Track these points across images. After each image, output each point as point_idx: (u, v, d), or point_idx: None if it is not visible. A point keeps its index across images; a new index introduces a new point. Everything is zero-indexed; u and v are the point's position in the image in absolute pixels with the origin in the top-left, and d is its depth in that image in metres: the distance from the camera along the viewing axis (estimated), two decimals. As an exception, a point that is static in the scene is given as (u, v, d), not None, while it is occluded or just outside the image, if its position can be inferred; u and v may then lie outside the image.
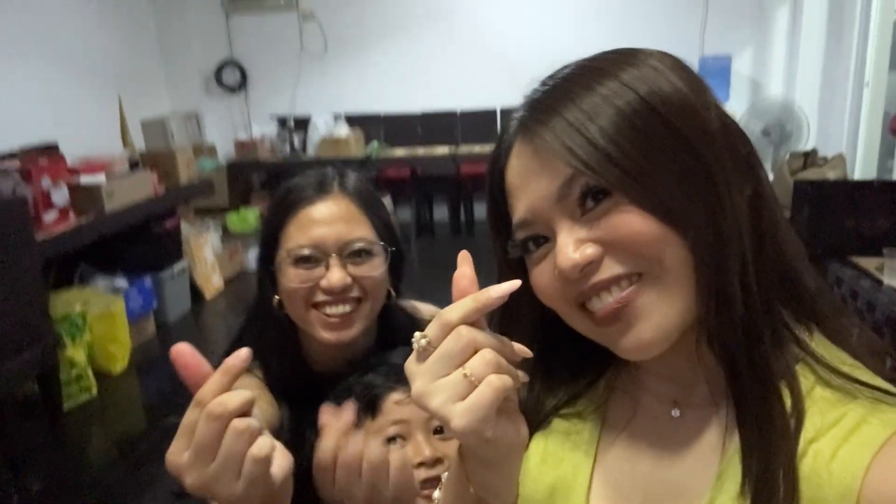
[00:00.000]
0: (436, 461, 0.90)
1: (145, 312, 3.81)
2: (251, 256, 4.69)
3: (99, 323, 3.28)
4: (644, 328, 0.52)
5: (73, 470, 2.78)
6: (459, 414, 0.46)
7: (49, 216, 3.09)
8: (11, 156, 3.06)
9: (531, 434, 0.61)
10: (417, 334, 0.50)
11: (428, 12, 5.38)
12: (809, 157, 2.76)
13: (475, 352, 0.48)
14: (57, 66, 4.01)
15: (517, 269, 0.60)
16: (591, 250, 0.52)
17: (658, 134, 0.51)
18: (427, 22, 5.38)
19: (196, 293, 4.37)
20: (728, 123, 0.54)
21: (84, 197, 3.34)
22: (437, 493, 0.62)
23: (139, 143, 4.44)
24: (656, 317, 0.52)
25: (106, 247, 3.56)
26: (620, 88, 0.52)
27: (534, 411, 0.63)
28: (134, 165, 3.91)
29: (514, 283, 0.50)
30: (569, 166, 0.51)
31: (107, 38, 4.51)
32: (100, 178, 3.43)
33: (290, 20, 5.47)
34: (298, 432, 0.97)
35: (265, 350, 1.02)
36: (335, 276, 0.95)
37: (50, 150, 3.35)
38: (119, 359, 3.41)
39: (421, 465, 0.90)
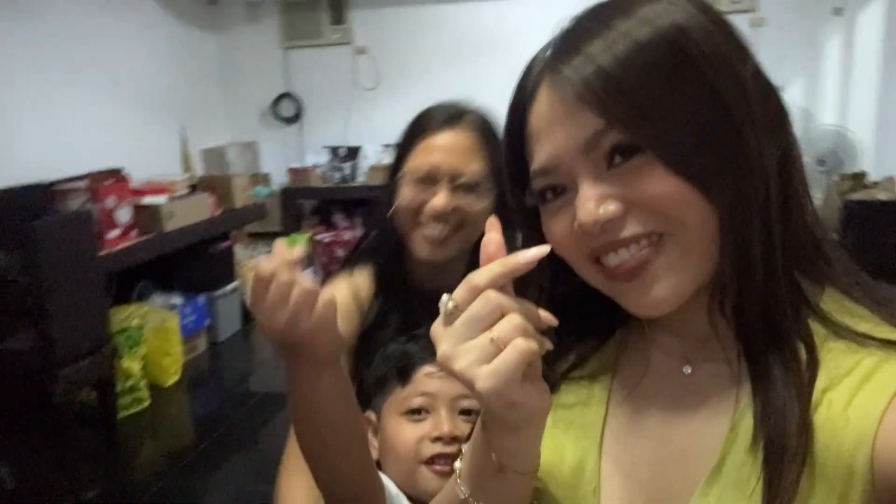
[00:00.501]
0: (453, 439, 0.92)
1: (198, 329, 3.94)
2: (301, 280, 4.79)
3: (154, 337, 3.42)
4: (659, 287, 0.52)
5: (125, 477, 2.88)
6: (484, 376, 0.46)
7: (112, 233, 3.26)
8: (80, 178, 3.25)
9: None
10: (445, 297, 0.50)
11: (475, 48, 5.50)
12: (858, 180, 2.71)
13: (501, 316, 0.48)
14: (126, 97, 4.25)
15: (531, 217, 0.59)
16: (613, 207, 0.51)
17: (692, 87, 0.49)
18: (474, 56, 5.49)
19: (247, 313, 4.50)
20: (761, 80, 0.53)
21: (145, 216, 3.52)
22: (458, 463, 0.62)
23: (199, 170, 4.65)
24: (673, 277, 0.52)
25: (164, 265, 3.72)
26: (654, 32, 0.50)
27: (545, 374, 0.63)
28: (193, 189, 4.10)
29: (543, 249, 0.49)
30: (601, 119, 0.50)
31: (172, 72, 4.77)
32: (161, 199, 3.61)
33: (344, 55, 5.68)
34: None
35: (380, 256, 1.16)
36: (440, 200, 1.05)
37: (116, 174, 3.55)
38: (171, 372, 3.54)
39: (438, 439, 0.93)
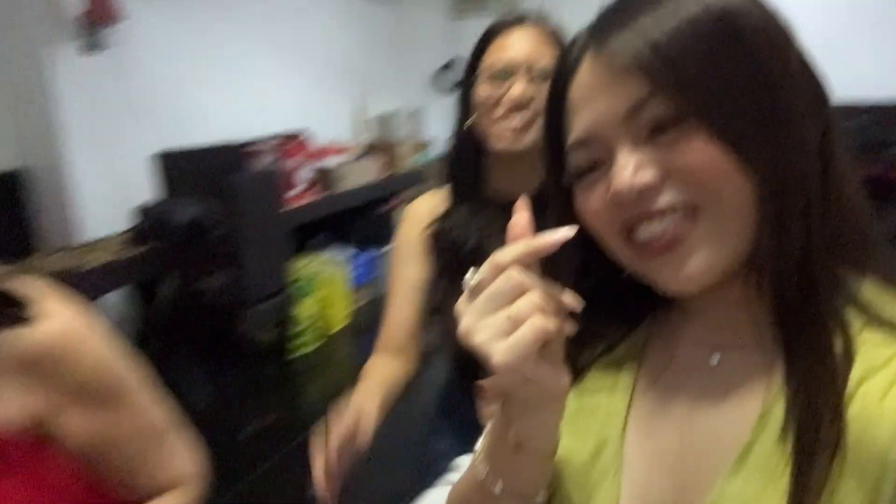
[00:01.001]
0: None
1: (364, 282, 4.26)
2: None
3: (326, 286, 3.75)
4: (692, 261, 0.51)
5: (296, 406, 3.21)
6: (500, 351, 0.47)
7: (293, 191, 3.60)
8: (268, 139, 3.61)
9: None
10: (469, 273, 0.51)
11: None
12: None
13: (522, 294, 0.48)
14: (309, 66, 4.59)
15: (565, 193, 0.59)
16: (650, 175, 0.51)
17: (747, 72, 0.49)
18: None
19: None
20: (806, 62, 0.53)
21: (322, 177, 3.84)
22: (479, 444, 0.63)
23: (370, 135, 4.95)
24: (706, 252, 0.51)
25: (338, 221, 4.05)
26: (703, 10, 0.50)
27: (571, 362, 0.60)
28: (364, 153, 4.39)
29: (569, 231, 0.49)
30: (645, 86, 0.50)
31: (350, 43, 5.08)
32: (335, 161, 3.93)
33: (509, 23, 5.70)
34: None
35: (455, 168, 1.22)
36: (518, 89, 1.11)
37: (297, 137, 3.88)
38: (338, 320, 3.86)
39: None
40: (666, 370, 0.60)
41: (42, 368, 0.75)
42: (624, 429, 0.60)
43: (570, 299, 0.50)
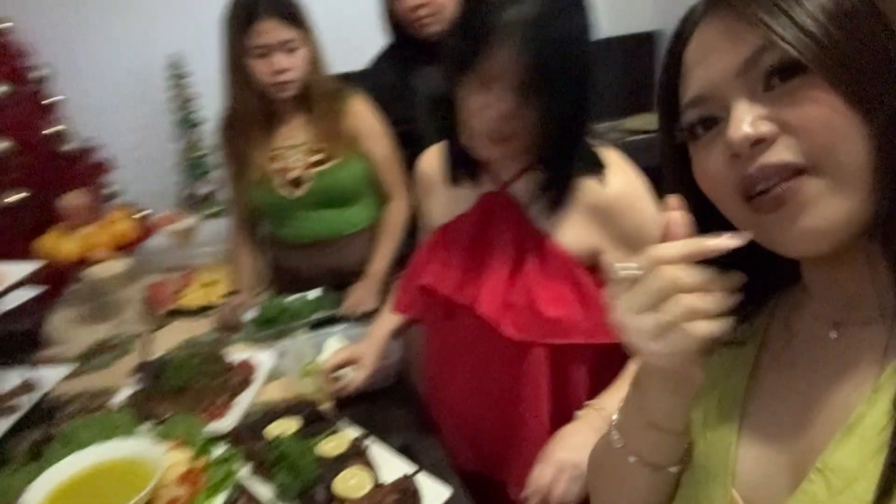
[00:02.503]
0: None
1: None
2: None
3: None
4: (808, 218, 0.50)
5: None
6: (654, 353, 0.49)
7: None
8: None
9: None
10: (626, 263, 0.51)
11: None
12: None
13: (678, 292, 0.48)
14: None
15: (679, 156, 0.59)
16: (766, 127, 0.50)
17: (868, 23, 0.48)
18: None
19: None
20: None
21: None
22: (615, 415, 0.66)
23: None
24: (822, 208, 0.49)
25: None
26: None
27: None
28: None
29: (743, 238, 0.49)
30: (761, 37, 0.49)
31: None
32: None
33: None
34: None
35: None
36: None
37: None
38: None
39: None
40: (786, 348, 0.61)
41: (605, 215, 1.04)
42: (743, 407, 0.62)
43: (734, 277, 0.51)
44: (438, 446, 1.23)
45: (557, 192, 1.05)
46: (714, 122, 0.54)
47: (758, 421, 0.60)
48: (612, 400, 1.04)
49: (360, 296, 1.77)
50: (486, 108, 0.96)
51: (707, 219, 0.56)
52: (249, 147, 1.79)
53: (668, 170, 0.63)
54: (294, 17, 1.70)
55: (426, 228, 1.26)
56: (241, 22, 1.68)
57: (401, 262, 1.89)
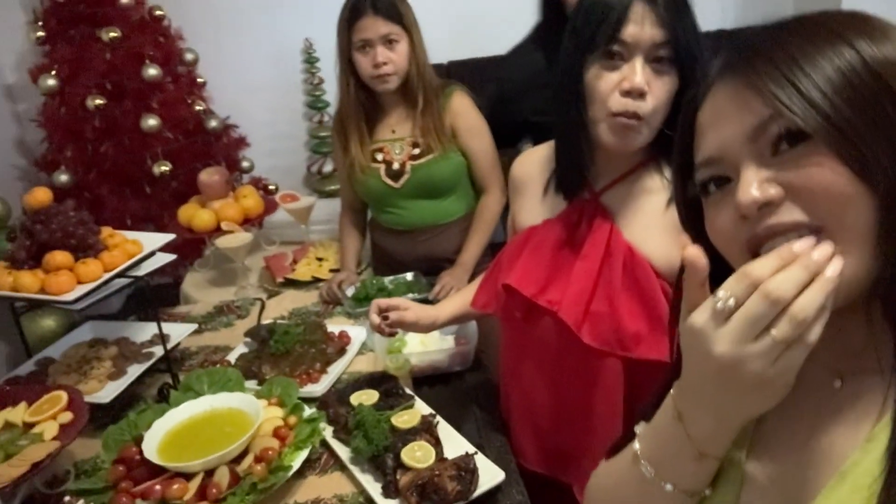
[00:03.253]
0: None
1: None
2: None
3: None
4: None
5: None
6: (779, 377, 0.49)
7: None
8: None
9: None
10: (721, 293, 0.50)
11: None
12: None
13: (783, 307, 0.48)
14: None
15: (692, 208, 0.62)
16: (773, 191, 0.52)
17: (878, 101, 0.49)
18: None
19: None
20: None
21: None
22: (637, 444, 0.66)
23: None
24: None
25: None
26: (846, 50, 0.50)
27: None
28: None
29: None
30: (769, 107, 0.51)
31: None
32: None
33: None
34: None
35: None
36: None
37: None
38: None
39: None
40: (793, 394, 0.60)
41: None
42: (749, 449, 0.63)
43: (835, 265, 0.50)
44: (502, 434, 1.32)
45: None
46: (725, 180, 0.57)
47: (761, 464, 0.62)
48: None
49: (450, 282, 1.88)
50: (619, 82, 0.99)
51: (721, 266, 0.59)
52: (356, 139, 1.95)
53: (683, 220, 0.66)
54: (394, 14, 1.83)
55: (512, 228, 1.30)
56: (347, 20, 1.84)
57: (491, 251, 1.99)
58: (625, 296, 1.05)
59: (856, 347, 0.57)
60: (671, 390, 0.61)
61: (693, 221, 0.64)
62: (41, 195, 1.45)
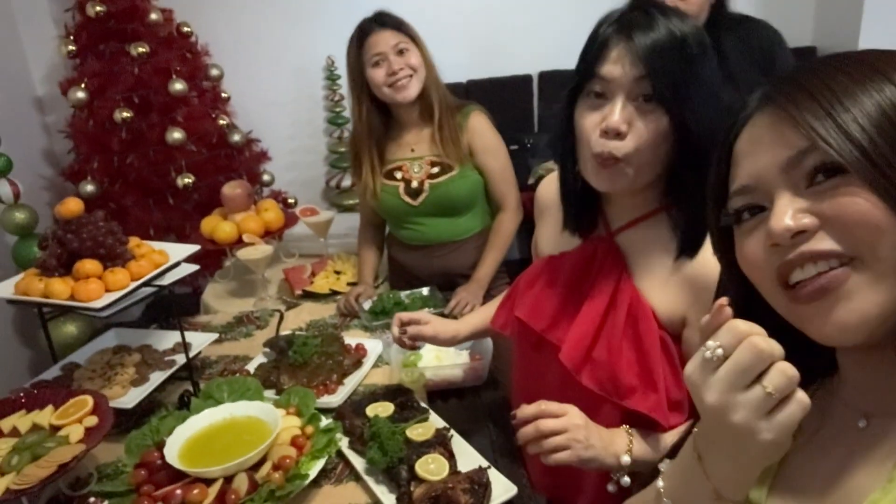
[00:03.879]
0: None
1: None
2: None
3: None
4: (846, 311, 0.52)
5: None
6: (768, 429, 0.49)
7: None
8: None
9: None
10: (710, 343, 0.52)
11: None
12: None
13: (770, 364, 0.49)
14: None
15: (724, 238, 0.62)
16: (807, 220, 0.52)
17: None
18: None
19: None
20: None
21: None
22: (660, 482, 0.66)
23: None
24: (860, 303, 0.51)
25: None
26: (887, 86, 0.51)
27: None
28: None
29: None
30: (806, 139, 0.52)
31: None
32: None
33: None
34: None
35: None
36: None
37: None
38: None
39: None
40: (819, 432, 0.61)
41: (698, 288, 1.01)
42: (771, 486, 0.63)
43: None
44: (514, 451, 1.33)
45: (686, 237, 1.02)
46: (759, 209, 0.58)
47: (783, 501, 0.62)
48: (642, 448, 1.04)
49: (465, 297, 1.91)
50: (600, 122, 0.96)
51: (752, 299, 0.60)
52: (368, 166, 2.01)
53: (716, 247, 0.67)
54: (401, 25, 1.92)
55: (535, 248, 1.31)
56: (357, 39, 1.92)
57: (506, 268, 2.02)
58: (625, 345, 1.05)
59: (881, 386, 0.57)
60: (694, 430, 0.62)
61: (725, 250, 0.65)
62: (73, 205, 1.50)
